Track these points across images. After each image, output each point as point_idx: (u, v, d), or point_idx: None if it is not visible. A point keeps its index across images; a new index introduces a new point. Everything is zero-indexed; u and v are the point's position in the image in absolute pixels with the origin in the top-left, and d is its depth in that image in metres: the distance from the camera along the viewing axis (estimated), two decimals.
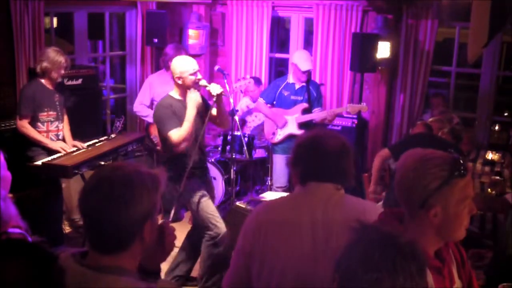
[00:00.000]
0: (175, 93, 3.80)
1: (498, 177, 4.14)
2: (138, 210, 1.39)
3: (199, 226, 3.89)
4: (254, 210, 2.14)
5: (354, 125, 5.67)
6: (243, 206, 4.46)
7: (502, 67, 6.49)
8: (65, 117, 4.66)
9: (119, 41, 7.84)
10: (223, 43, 6.88)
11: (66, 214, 4.91)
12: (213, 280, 3.90)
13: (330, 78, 6.07)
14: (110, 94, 6.49)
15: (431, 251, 1.61)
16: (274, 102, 5.10)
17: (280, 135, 5.05)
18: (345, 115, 5.67)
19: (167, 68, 5.23)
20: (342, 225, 1.70)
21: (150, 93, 5.36)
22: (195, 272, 4.20)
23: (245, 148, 4.96)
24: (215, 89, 3.71)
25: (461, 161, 1.54)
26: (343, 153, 1.91)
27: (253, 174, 6.01)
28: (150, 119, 5.20)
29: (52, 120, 4.45)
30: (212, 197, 4.02)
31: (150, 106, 5.33)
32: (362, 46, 5.27)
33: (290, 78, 5.06)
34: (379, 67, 5.70)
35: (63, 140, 4.56)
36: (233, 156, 4.79)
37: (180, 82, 3.73)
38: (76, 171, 4.13)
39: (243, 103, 6.06)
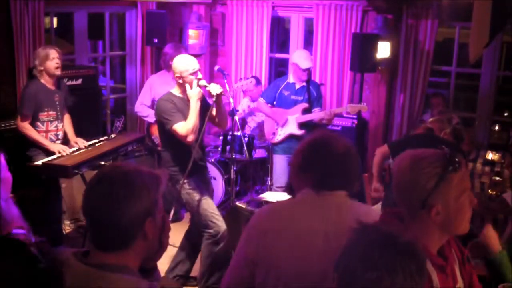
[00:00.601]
0: (176, 91, 3.80)
1: (498, 178, 4.13)
2: (138, 208, 1.40)
3: (198, 225, 3.89)
4: (257, 215, 2.03)
5: (354, 125, 5.66)
6: (243, 206, 4.47)
7: (502, 67, 6.47)
8: (67, 115, 4.67)
9: (119, 41, 7.84)
10: (223, 43, 6.88)
11: (67, 214, 4.91)
12: (213, 279, 3.90)
13: (330, 78, 6.07)
14: (110, 94, 6.49)
15: (435, 250, 1.61)
16: (274, 102, 5.10)
17: (280, 135, 5.05)
18: (345, 115, 5.67)
19: (168, 68, 5.24)
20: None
21: (151, 93, 5.36)
22: (194, 272, 4.20)
23: (245, 148, 4.95)
24: (214, 89, 3.71)
25: (453, 156, 1.54)
26: (354, 157, 1.89)
27: (253, 174, 6.01)
28: (150, 119, 5.20)
29: (52, 120, 4.45)
30: (211, 196, 4.02)
31: (151, 106, 5.33)
32: (362, 46, 5.27)
33: (291, 78, 5.06)
34: (379, 67, 5.70)
35: (63, 140, 4.57)
36: (233, 156, 4.79)
37: (180, 81, 3.74)
38: (76, 171, 4.13)
39: (245, 103, 6.06)
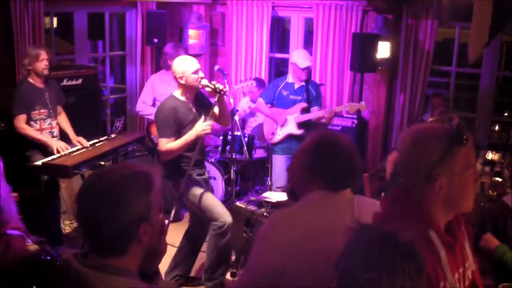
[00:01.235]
0: (178, 94, 3.81)
1: (498, 179, 4.13)
2: (129, 214, 1.37)
3: (202, 222, 3.90)
4: (271, 225, 1.90)
5: (354, 125, 5.66)
6: (243, 206, 4.47)
7: (502, 67, 6.47)
8: (63, 114, 4.68)
9: (119, 41, 7.83)
10: (223, 43, 6.88)
11: (66, 214, 4.91)
12: (217, 272, 3.90)
13: (330, 78, 6.07)
14: (110, 94, 6.49)
15: (442, 225, 1.60)
16: (274, 102, 5.10)
17: (279, 135, 5.05)
18: (345, 115, 5.67)
19: (168, 68, 5.24)
20: None
21: (153, 93, 5.37)
22: (194, 272, 4.20)
23: (245, 148, 4.96)
24: (218, 85, 3.75)
25: (460, 130, 1.53)
26: (357, 153, 1.89)
27: (253, 174, 6.01)
28: (153, 117, 5.20)
29: (44, 117, 4.48)
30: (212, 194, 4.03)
31: (153, 105, 5.34)
32: (362, 46, 5.27)
33: (290, 78, 5.06)
34: (379, 67, 5.70)
35: (60, 137, 4.58)
36: (233, 156, 4.79)
37: (182, 82, 3.74)
38: (76, 171, 4.13)
39: (245, 104, 6.06)
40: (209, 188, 4.07)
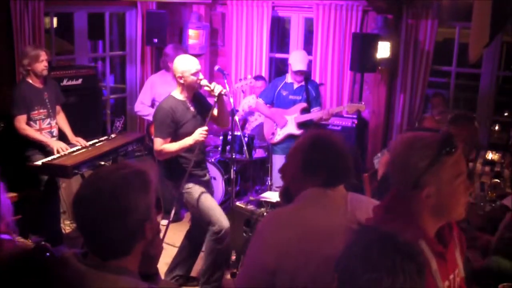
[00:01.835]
0: (177, 93, 3.80)
1: (497, 180, 4.13)
2: (134, 218, 1.38)
3: (202, 223, 3.89)
4: (267, 223, 1.95)
5: (354, 125, 5.66)
6: (243, 206, 4.47)
7: (502, 67, 6.47)
8: (62, 114, 4.69)
9: (119, 41, 7.83)
10: (223, 43, 6.88)
11: (67, 214, 4.91)
12: (215, 276, 3.89)
13: (330, 78, 6.07)
14: (110, 94, 6.49)
15: (431, 233, 1.60)
16: (273, 103, 5.10)
17: (279, 135, 5.05)
18: (345, 115, 5.67)
19: (167, 69, 5.24)
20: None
21: (151, 93, 5.36)
22: (194, 272, 4.20)
23: (245, 148, 4.95)
24: (216, 88, 3.72)
25: (449, 138, 1.53)
26: (349, 152, 1.93)
27: (253, 174, 6.01)
28: (151, 118, 5.20)
29: (44, 117, 4.48)
30: (211, 196, 4.02)
31: (152, 106, 5.34)
32: (362, 46, 5.27)
33: (289, 78, 5.06)
34: (379, 67, 5.70)
35: (59, 137, 4.58)
36: (233, 156, 4.79)
37: (182, 81, 3.74)
38: (76, 171, 4.13)
39: (245, 104, 6.06)
40: (210, 190, 4.06)
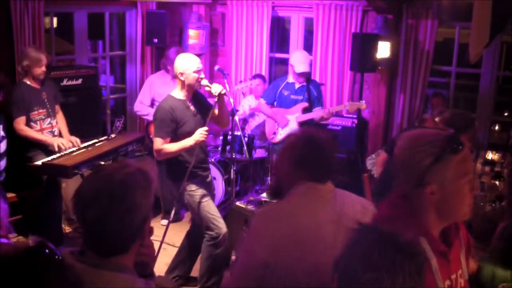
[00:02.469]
0: (176, 93, 3.80)
1: (494, 182, 4.14)
2: (139, 216, 1.40)
3: (200, 226, 3.89)
4: (260, 219, 2.03)
5: (354, 125, 5.66)
6: (243, 206, 4.47)
7: (502, 67, 6.47)
8: (61, 114, 4.69)
9: (119, 41, 7.83)
10: (223, 43, 6.88)
11: (66, 214, 4.91)
12: (213, 280, 3.89)
13: (330, 78, 6.07)
14: (110, 94, 6.49)
15: (435, 233, 1.59)
16: (275, 103, 5.10)
17: (281, 134, 5.05)
18: (345, 115, 5.67)
19: (167, 69, 5.24)
20: (353, 218, 1.70)
21: (151, 93, 5.36)
22: (194, 272, 4.20)
23: (245, 148, 4.95)
24: (217, 88, 3.72)
25: (454, 137, 1.53)
26: (336, 150, 2.03)
27: (253, 174, 6.01)
28: (150, 117, 5.20)
29: (44, 117, 4.49)
30: (212, 197, 4.02)
31: (151, 105, 5.34)
32: (362, 46, 5.27)
33: (290, 78, 5.06)
34: (379, 67, 5.70)
35: (60, 135, 4.58)
36: (233, 156, 4.79)
37: (182, 78, 3.73)
38: (76, 171, 4.13)
39: (245, 104, 6.06)
40: (211, 192, 4.05)
